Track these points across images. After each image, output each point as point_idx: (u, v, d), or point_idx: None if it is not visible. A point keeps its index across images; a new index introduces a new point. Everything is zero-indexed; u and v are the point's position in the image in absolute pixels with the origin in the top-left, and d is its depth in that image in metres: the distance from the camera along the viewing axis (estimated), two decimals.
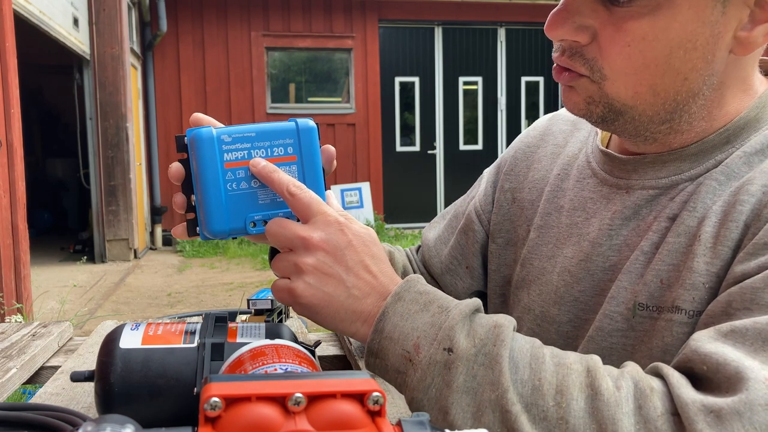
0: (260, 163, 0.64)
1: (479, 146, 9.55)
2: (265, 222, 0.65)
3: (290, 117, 0.68)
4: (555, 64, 0.70)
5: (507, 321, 0.58)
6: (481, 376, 0.55)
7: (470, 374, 0.55)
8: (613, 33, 0.64)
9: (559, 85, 0.71)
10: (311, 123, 0.66)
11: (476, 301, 0.60)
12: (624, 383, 0.53)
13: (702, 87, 0.65)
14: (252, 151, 0.64)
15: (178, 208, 0.67)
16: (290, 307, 1.06)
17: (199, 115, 0.67)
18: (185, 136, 0.64)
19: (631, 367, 0.56)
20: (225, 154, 0.63)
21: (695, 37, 0.62)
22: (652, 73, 0.64)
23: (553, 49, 0.70)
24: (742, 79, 0.67)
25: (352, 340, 1.05)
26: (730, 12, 0.61)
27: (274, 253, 0.81)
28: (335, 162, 0.71)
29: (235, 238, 0.68)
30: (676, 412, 0.51)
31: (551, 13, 0.67)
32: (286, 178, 0.63)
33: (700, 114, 0.67)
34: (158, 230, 8.38)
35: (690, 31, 0.62)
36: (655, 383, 0.53)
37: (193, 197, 0.65)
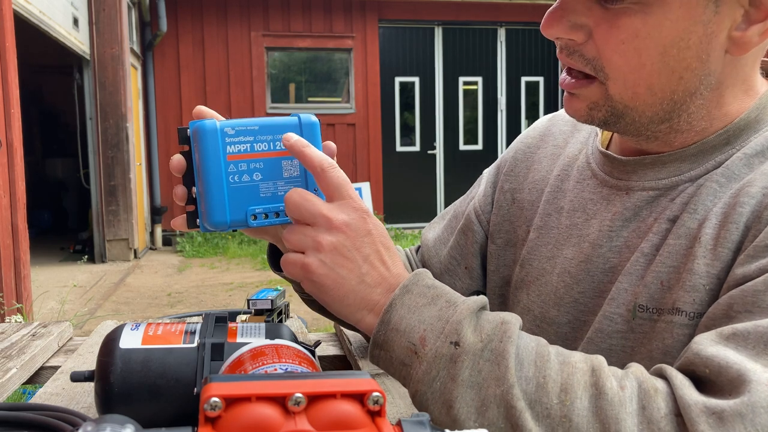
0: (292, 138, 0.63)
1: (479, 146, 9.55)
2: (266, 215, 0.65)
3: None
4: (562, 72, 0.71)
5: (514, 318, 0.59)
6: (487, 371, 0.55)
7: (476, 369, 0.56)
8: (606, 30, 0.64)
9: (564, 91, 0.72)
10: (313, 118, 0.67)
11: (483, 299, 0.61)
12: (628, 383, 0.54)
13: (699, 86, 0.65)
14: (255, 144, 0.65)
15: (178, 200, 0.67)
16: (292, 303, 1.06)
17: (202, 108, 0.67)
18: (188, 128, 0.65)
19: (636, 368, 0.56)
20: (228, 147, 0.64)
21: (688, 36, 0.62)
22: (649, 72, 0.64)
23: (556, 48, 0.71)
24: (741, 80, 0.68)
25: (352, 340, 1.05)
26: (724, 11, 0.62)
27: (273, 252, 0.80)
28: (335, 159, 0.71)
29: (235, 230, 0.68)
30: (679, 413, 0.51)
31: (547, 11, 0.68)
32: (319, 155, 0.63)
33: (700, 114, 0.68)
34: (158, 230, 8.38)
35: (682, 30, 0.62)
36: (659, 384, 0.54)
37: (194, 189, 0.65)
